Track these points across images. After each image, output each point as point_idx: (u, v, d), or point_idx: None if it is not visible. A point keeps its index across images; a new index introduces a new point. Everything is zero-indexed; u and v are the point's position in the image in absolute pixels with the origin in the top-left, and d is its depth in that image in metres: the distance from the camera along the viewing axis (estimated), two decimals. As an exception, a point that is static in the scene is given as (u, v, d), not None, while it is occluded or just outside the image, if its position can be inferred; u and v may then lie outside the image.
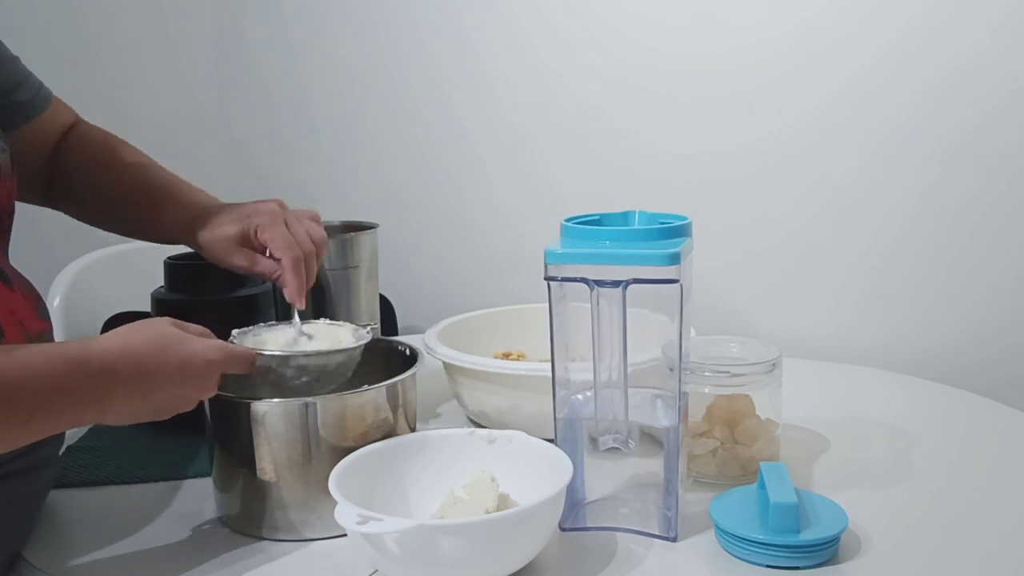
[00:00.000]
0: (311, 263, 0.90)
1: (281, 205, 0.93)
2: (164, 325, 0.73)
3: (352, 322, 0.89)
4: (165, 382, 0.70)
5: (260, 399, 0.77)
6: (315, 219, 0.94)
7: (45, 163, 0.97)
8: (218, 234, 0.90)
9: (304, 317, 0.87)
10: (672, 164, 1.37)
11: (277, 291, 1.02)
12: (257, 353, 0.78)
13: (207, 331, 0.76)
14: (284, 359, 0.79)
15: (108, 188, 0.97)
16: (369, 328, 0.87)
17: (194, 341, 0.72)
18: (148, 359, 0.69)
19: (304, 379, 0.80)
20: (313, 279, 0.90)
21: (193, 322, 0.76)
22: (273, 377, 0.80)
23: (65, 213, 1.00)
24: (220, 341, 0.75)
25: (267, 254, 0.90)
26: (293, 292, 0.88)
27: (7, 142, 0.84)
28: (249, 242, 0.90)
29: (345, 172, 1.71)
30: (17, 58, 0.92)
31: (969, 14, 1.14)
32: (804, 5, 1.24)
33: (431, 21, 1.55)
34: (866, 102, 1.22)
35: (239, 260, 0.90)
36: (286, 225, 0.89)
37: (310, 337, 0.84)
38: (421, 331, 1.08)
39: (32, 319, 0.79)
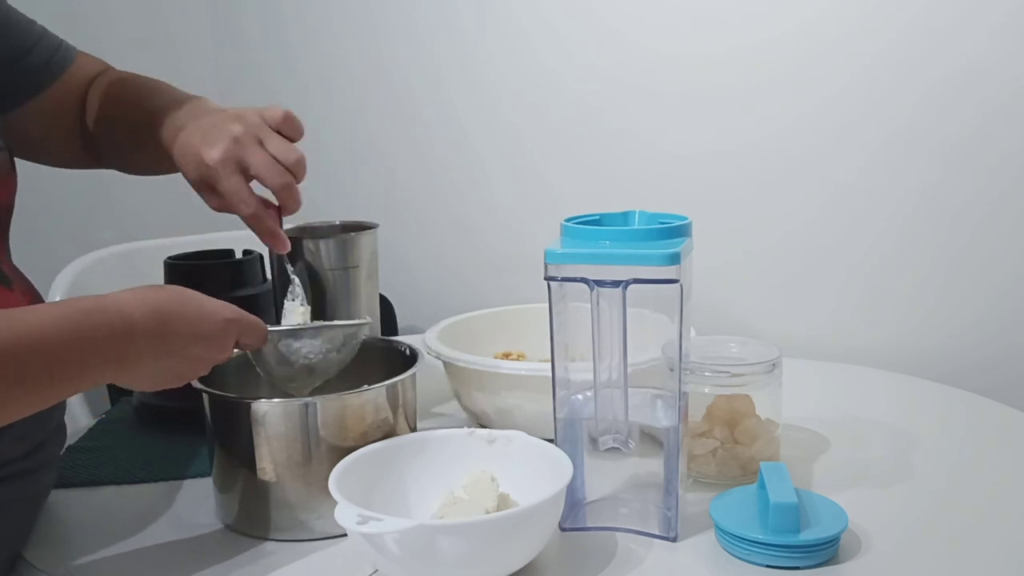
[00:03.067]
0: (287, 195, 0.82)
1: (244, 124, 0.81)
2: (181, 287, 0.73)
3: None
4: (182, 338, 0.70)
5: (260, 399, 0.77)
6: (283, 123, 0.84)
7: (77, 120, 0.94)
8: (183, 169, 0.85)
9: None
10: (672, 164, 1.37)
11: (276, 291, 1.02)
12: (268, 328, 0.78)
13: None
14: (292, 332, 0.80)
15: (125, 117, 0.92)
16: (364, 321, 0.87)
17: (210, 300, 0.73)
18: (165, 311, 0.69)
19: (310, 355, 0.80)
20: (297, 206, 0.83)
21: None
22: (278, 356, 0.80)
23: (115, 167, 0.97)
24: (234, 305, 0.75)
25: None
26: (268, 241, 0.85)
27: (6, 140, 0.84)
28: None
29: (345, 172, 1.71)
30: (33, 21, 0.89)
31: (969, 14, 1.14)
32: (804, 5, 1.24)
33: (431, 21, 1.55)
34: (866, 102, 1.22)
35: (210, 203, 0.85)
36: (245, 170, 0.81)
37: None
38: (421, 331, 1.08)
39: (32, 319, 0.79)
